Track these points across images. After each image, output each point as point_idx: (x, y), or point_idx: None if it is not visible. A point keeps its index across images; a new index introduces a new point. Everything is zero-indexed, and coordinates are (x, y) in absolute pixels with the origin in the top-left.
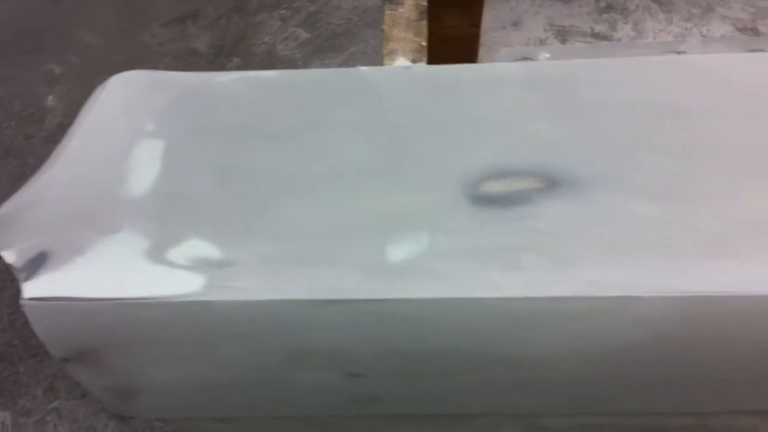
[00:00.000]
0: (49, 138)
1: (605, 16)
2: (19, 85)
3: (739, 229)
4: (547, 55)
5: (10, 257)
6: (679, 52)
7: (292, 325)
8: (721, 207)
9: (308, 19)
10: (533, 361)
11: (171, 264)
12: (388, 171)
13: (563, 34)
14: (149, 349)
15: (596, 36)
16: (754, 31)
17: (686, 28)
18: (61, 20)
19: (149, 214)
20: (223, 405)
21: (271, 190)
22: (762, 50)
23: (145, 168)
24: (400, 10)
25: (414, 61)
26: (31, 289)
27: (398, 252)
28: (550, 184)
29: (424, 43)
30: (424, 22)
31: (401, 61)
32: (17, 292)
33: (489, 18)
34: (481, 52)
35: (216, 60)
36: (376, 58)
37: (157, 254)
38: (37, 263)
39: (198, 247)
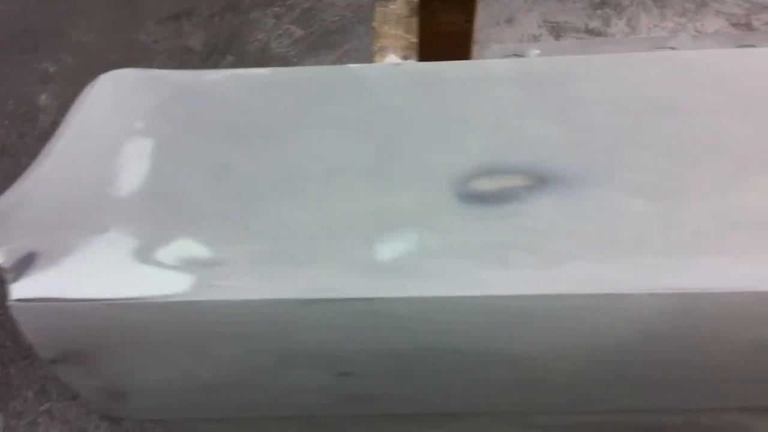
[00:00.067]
0: (43, 137)
1: (599, 12)
2: (13, 83)
3: (729, 225)
4: (537, 52)
5: None
6: (669, 48)
7: (282, 325)
8: (712, 203)
9: (302, 16)
10: (524, 359)
11: (160, 264)
12: (378, 169)
13: (557, 31)
14: (138, 349)
15: (590, 32)
16: (748, 26)
17: (680, 24)
18: (55, 19)
19: (138, 213)
20: (213, 405)
21: (261, 189)
22: (753, 46)
23: (134, 167)
24: (391, 6)
25: (405, 58)
26: (19, 290)
27: (388, 250)
28: (540, 181)
29: (415, 40)
30: (415, 19)
31: (392, 58)
32: (5, 293)
33: (483, 14)
34: (475, 49)
35: (210, 58)
36: (371, 55)
37: (146, 254)
38: (26, 264)
39: (187, 247)
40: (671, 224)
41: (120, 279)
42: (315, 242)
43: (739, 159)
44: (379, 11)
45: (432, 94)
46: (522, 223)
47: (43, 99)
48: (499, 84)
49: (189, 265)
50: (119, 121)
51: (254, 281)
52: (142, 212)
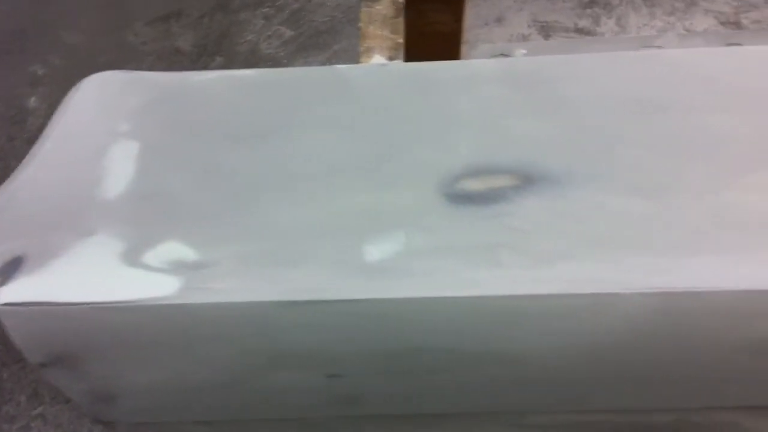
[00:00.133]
0: (32, 139)
1: (588, 11)
2: (1, 86)
3: (719, 224)
4: (524, 52)
5: None
6: (656, 47)
7: (270, 327)
8: (701, 202)
9: (292, 17)
10: (513, 359)
11: (147, 266)
12: (365, 170)
13: (547, 30)
14: (127, 352)
15: (580, 31)
16: (737, 25)
17: (669, 22)
18: (43, 21)
19: (125, 215)
20: (203, 408)
21: (248, 190)
22: (739, 44)
23: (120, 169)
24: (377, 7)
25: (391, 58)
26: (6, 294)
27: (376, 251)
28: (528, 181)
29: (401, 41)
30: (401, 19)
31: (378, 59)
32: None
33: (472, 14)
34: (464, 49)
35: (199, 59)
36: (358, 55)
37: (133, 257)
38: (12, 267)
39: (175, 249)
40: (660, 223)
41: (108, 282)
42: (303, 243)
43: (727, 157)
44: (364, 12)
45: (418, 95)
46: (511, 223)
47: (32, 102)
48: (486, 84)
49: (177, 267)
50: (105, 123)
51: (242, 283)
52: (129, 214)
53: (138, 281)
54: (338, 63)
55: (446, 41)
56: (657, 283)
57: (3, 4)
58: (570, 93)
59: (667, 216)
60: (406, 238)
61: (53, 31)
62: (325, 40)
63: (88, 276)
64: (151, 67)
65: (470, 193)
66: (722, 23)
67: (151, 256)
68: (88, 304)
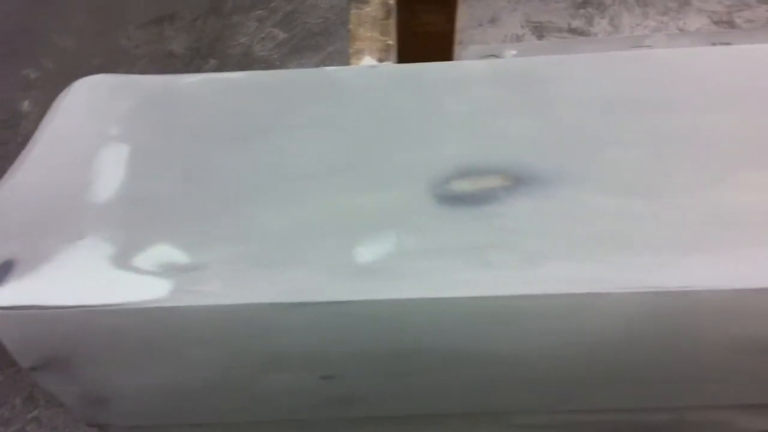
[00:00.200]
0: (25, 143)
1: (582, 11)
2: None
3: (709, 223)
4: (514, 52)
5: None
6: (645, 47)
7: (261, 329)
8: (691, 201)
9: (285, 19)
10: (505, 359)
11: (137, 270)
12: (355, 171)
13: (540, 30)
14: (118, 356)
15: (573, 31)
16: (730, 24)
17: (662, 22)
18: (35, 25)
19: (115, 219)
20: (195, 411)
21: (238, 193)
22: (728, 43)
23: (109, 172)
24: (366, 9)
25: (381, 60)
26: None
27: (367, 253)
28: (518, 181)
29: (391, 42)
30: (391, 21)
31: (368, 61)
32: None
33: (466, 15)
34: (458, 50)
35: (192, 62)
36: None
37: (123, 260)
38: (3, 271)
39: (164, 252)
40: (651, 223)
41: (98, 285)
42: (293, 245)
43: (717, 156)
44: (354, 14)
45: (408, 96)
46: (501, 224)
47: (26, 105)
48: (475, 85)
49: (167, 270)
50: (94, 126)
51: (232, 285)
52: (118, 218)
53: (128, 284)
54: (332, 65)
55: (439, 42)
56: (648, 282)
57: None
58: (559, 93)
59: (657, 215)
60: (396, 240)
61: (46, 34)
62: (318, 42)
63: (78, 279)
64: (144, 71)
65: (460, 194)
66: (715, 22)
67: (142, 259)
68: (78, 307)
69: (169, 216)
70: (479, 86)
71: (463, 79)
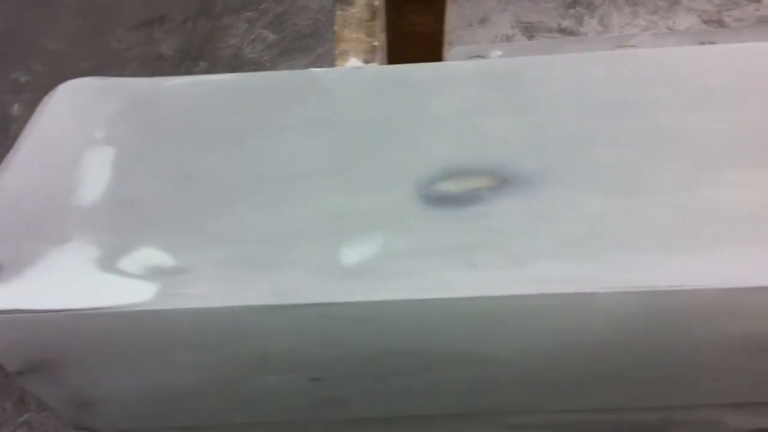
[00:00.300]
0: None
1: (572, 11)
2: None
3: (695, 222)
4: (499, 53)
5: None
6: (630, 47)
7: (248, 331)
8: (677, 200)
9: (275, 21)
10: (493, 359)
11: (124, 273)
12: (341, 173)
13: (530, 31)
14: (104, 359)
15: (563, 31)
16: (720, 23)
17: (652, 21)
18: (25, 28)
19: (100, 222)
20: (183, 414)
21: (224, 195)
22: (713, 43)
23: (95, 176)
24: (352, 10)
25: (366, 61)
26: None
27: (353, 254)
28: (504, 182)
29: (377, 44)
30: (377, 22)
31: (353, 62)
32: None
33: (455, 15)
34: (446, 50)
35: (182, 64)
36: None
37: (109, 263)
38: None
39: (151, 255)
40: (637, 221)
41: (84, 289)
42: (280, 247)
43: (702, 155)
44: (339, 15)
45: (394, 97)
46: (487, 224)
47: (15, 109)
48: (461, 85)
49: (153, 273)
50: (79, 129)
51: (219, 288)
52: (104, 221)
53: (114, 287)
54: (321, 66)
55: (428, 43)
56: (635, 282)
57: None
58: (545, 93)
59: (643, 214)
60: (382, 241)
61: (35, 37)
62: (308, 43)
63: (64, 283)
64: (134, 73)
65: (446, 195)
66: (705, 21)
67: (128, 262)
68: (64, 311)
69: (155, 219)
70: (465, 87)
71: (449, 80)
